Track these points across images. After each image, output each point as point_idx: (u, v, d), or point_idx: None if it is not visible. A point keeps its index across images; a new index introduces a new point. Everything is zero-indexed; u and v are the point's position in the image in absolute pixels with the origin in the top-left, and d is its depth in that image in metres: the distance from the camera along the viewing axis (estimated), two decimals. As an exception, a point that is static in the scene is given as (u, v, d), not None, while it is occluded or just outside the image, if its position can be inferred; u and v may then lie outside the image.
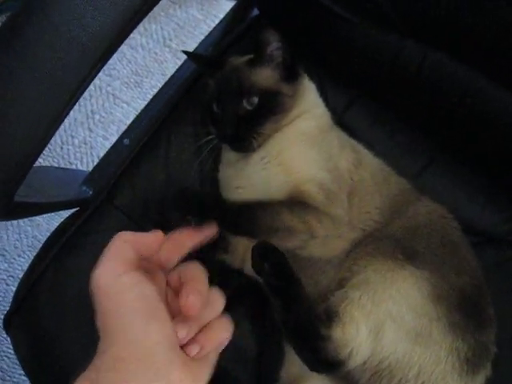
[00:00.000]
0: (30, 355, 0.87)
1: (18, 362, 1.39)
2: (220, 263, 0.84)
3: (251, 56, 0.86)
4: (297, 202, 0.76)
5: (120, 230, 0.86)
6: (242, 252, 0.83)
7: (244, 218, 0.71)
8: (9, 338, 0.90)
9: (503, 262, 0.92)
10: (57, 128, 0.61)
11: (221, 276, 0.85)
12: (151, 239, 0.55)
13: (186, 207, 0.62)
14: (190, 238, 0.59)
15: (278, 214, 0.73)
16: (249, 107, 0.81)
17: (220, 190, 0.88)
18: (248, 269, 0.78)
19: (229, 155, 0.87)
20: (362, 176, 0.82)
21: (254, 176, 0.82)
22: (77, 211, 0.91)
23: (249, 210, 0.72)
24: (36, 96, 0.56)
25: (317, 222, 0.74)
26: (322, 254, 0.78)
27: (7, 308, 0.87)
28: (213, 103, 0.84)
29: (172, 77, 1.02)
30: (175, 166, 0.92)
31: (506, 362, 0.78)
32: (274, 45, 0.82)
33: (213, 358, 0.53)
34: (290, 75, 0.85)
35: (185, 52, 0.94)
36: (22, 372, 1.39)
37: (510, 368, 0.82)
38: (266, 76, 0.83)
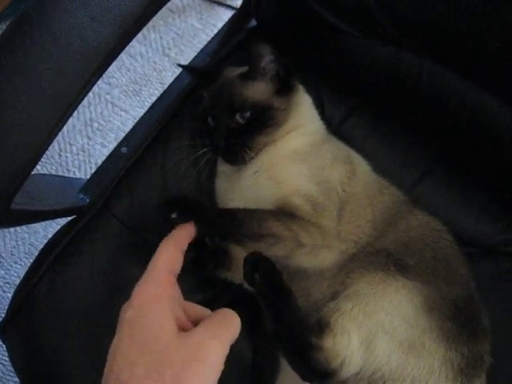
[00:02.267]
0: (25, 363, 0.86)
1: (12, 369, 1.39)
2: (222, 280, 0.86)
3: (245, 68, 0.87)
4: (285, 212, 0.77)
5: (117, 239, 0.88)
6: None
7: (230, 223, 0.72)
8: (4, 345, 0.90)
9: (499, 272, 0.93)
10: (55, 136, 0.61)
11: (217, 285, 0.86)
12: (179, 255, 0.61)
13: (176, 211, 0.67)
14: (187, 234, 0.65)
15: (264, 220, 0.74)
16: (241, 121, 0.82)
17: (216, 200, 0.89)
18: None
19: (223, 167, 0.88)
20: (354, 188, 0.83)
21: (246, 189, 0.83)
22: (74, 219, 0.91)
23: (234, 216, 0.73)
24: (34, 104, 0.56)
25: (303, 230, 0.75)
26: (310, 264, 0.79)
27: (2, 314, 0.86)
28: (207, 116, 0.85)
29: (170, 86, 1.03)
30: (173, 174, 0.92)
31: (504, 371, 0.79)
32: (267, 58, 0.83)
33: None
34: (284, 88, 0.85)
35: (180, 65, 0.95)
36: (17, 379, 1.39)
37: (510, 377, 0.82)
38: (258, 90, 0.84)
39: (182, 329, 0.53)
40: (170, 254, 0.59)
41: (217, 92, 0.86)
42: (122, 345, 0.51)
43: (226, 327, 0.54)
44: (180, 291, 0.59)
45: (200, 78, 0.95)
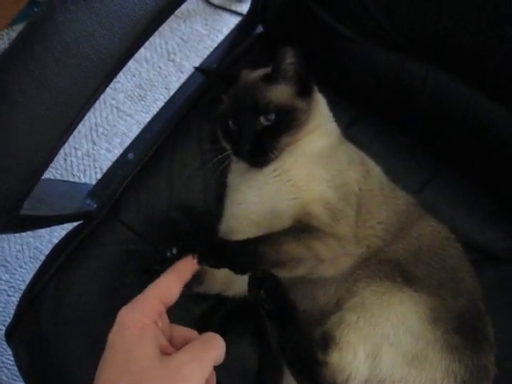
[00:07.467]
0: (31, 368, 0.86)
1: (17, 374, 1.39)
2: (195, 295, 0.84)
3: (265, 70, 0.87)
4: (301, 228, 0.75)
5: (123, 244, 0.88)
6: (220, 278, 0.82)
7: (249, 256, 0.70)
8: (9, 349, 0.90)
9: (502, 279, 0.93)
10: (64, 142, 0.62)
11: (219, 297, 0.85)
12: (177, 287, 0.60)
13: (187, 246, 0.66)
14: (190, 266, 0.64)
15: (282, 245, 0.72)
16: (266, 123, 0.82)
17: (227, 198, 0.88)
18: (229, 291, 0.81)
19: (239, 165, 0.87)
20: (370, 186, 0.83)
21: (264, 187, 0.83)
22: (81, 224, 0.91)
23: (252, 248, 0.70)
24: (45, 110, 0.57)
25: (322, 245, 0.74)
26: (331, 273, 0.78)
27: (7, 319, 0.86)
28: (228, 119, 0.85)
29: (176, 92, 1.03)
30: (179, 181, 0.93)
31: (509, 379, 0.79)
32: (288, 60, 0.83)
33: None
34: (305, 90, 0.86)
35: (197, 68, 0.95)
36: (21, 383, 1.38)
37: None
38: (281, 92, 0.84)
39: (165, 354, 0.53)
40: (168, 284, 0.59)
41: (239, 95, 0.86)
42: (105, 366, 0.52)
43: (207, 350, 0.54)
44: (167, 320, 0.59)
45: (217, 82, 0.94)
